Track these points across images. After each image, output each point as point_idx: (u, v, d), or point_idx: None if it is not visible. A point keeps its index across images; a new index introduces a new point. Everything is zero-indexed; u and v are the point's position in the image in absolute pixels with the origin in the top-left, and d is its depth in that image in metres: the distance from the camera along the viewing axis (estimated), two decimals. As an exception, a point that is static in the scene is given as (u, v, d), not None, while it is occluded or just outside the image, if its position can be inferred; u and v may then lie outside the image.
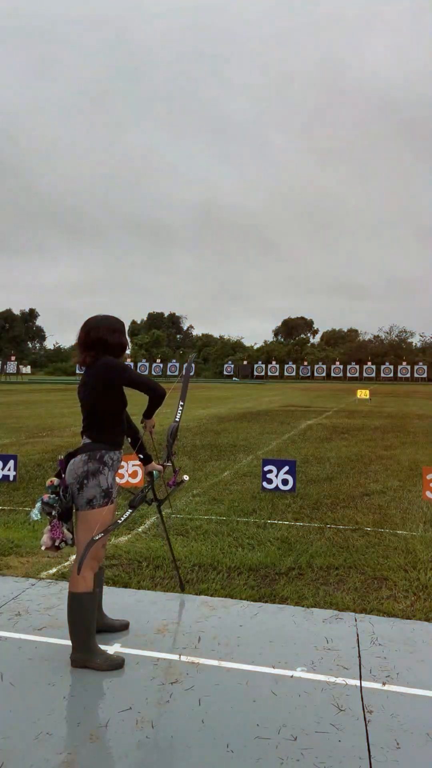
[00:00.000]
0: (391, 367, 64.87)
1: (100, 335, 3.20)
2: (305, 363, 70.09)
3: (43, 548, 3.22)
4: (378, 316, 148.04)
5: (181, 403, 3.77)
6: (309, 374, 67.11)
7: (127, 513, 3.28)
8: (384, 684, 3.01)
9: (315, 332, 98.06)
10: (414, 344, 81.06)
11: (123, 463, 7.06)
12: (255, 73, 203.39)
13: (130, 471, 7.43)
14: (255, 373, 67.49)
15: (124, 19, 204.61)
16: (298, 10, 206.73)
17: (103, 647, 3.25)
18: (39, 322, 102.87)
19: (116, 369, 3.16)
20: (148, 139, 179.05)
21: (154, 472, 3.58)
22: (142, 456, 3.56)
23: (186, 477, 4.01)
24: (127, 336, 3.38)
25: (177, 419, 3.71)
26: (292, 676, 3.07)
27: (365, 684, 3.01)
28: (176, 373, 62.57)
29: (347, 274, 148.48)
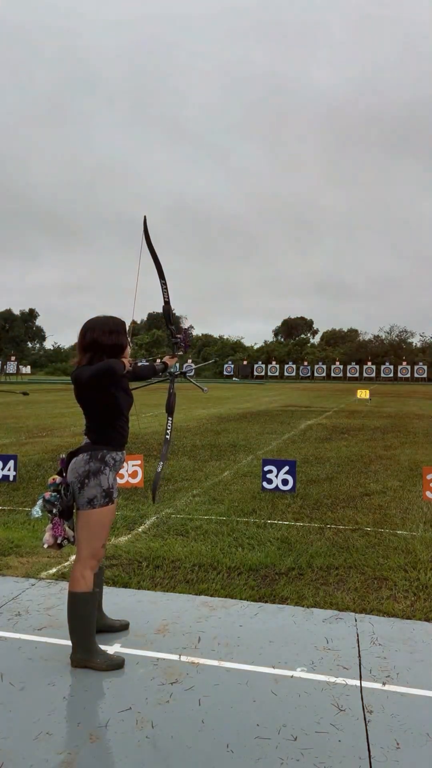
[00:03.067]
0: (391, 367, 64.80)
1: (95, 337, 3.16)
2: (305, 363, 70.05)
3: (45, 546, 3.23)
4: (367, 316, 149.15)
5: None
6: (309, 374, 67.08)
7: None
8: (384, 684, 3.01)
9: (315, 332, 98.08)
10: (414, 344, 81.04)
11: (124, 463, 7.06)
12: (207, 85, 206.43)
13: (130, 471, 7.43)
14: (255, 373, 67.46)
15: (76, 29, 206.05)
16: (246, 21, 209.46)
17: (103, 647, 3.25)
18: (39, 322, 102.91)
19: (99, 373, 3.06)
20: (110, 147, 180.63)
21: (172, 368, 3.85)
22: (162, 364, 3.76)
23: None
24: (127, 336, 3.34)
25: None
26: (292, 676, 3.07)
27: (365, 684, 3.01)
28: (176, 372, 62.50)
29: (334, 274, 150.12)
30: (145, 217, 3.94)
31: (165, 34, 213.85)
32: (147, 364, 3.65)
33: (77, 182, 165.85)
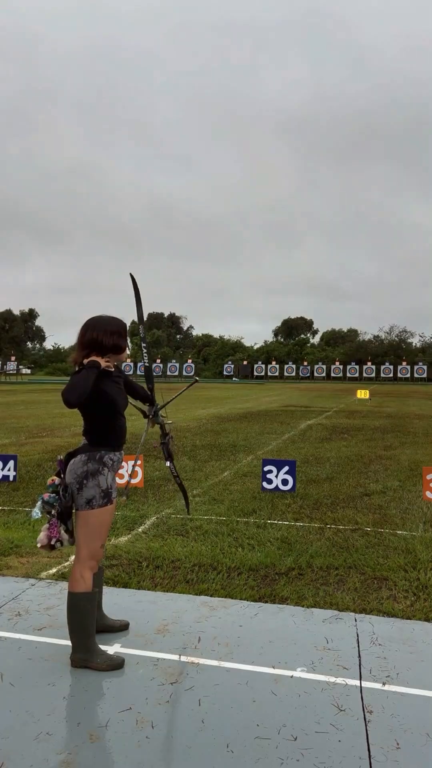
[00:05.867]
0: (391, 367, 64.88)
1: (95, 336, 3.16)
2: (305, 363, 70.09)
3: (38, 546, 3.22)
4: (366, 316, 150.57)
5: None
6: (309, 374, 67.13)
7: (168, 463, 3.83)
8: (384, 684, 3.01)
9: (315, 332, 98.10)
10: (414, 344, 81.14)
11: (123, 463, 7.06)
12: (167, 92, 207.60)
13: (130, 471, 7.42)
14: (255, 373, 67.53)
15: (35, 35, 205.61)
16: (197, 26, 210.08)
17: (103, 647, 3.25)
18: (38, 322, 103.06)
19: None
20: (80, 152, 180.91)
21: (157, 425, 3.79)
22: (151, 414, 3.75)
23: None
24: (127, 339, 3.33)
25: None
26: (292, 676, 3.07)
27: (365, 684, 3.01)
28: (176, 372, 63.02)
29: (329, 275, 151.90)
30: (131, 274, 3.83)
31: (118, 36, 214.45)
32: (143, 390, 3.69)
33: (53, 188, 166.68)
